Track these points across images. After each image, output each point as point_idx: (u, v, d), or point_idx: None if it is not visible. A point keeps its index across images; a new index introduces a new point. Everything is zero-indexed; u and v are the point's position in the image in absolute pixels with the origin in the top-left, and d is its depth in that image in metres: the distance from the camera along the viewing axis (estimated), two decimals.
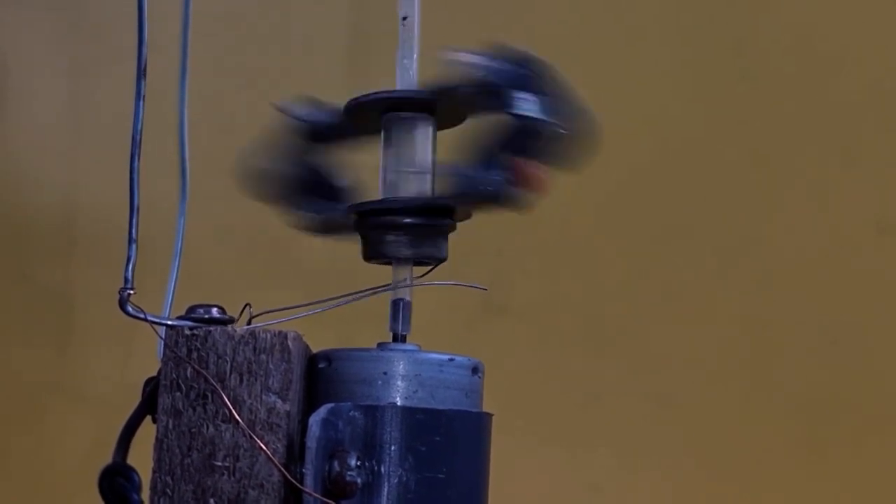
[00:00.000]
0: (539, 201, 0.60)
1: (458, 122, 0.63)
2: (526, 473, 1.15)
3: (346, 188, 0.64)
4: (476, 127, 0.61)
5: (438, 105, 0.62)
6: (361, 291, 0.62)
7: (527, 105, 0.59)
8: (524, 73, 0.59)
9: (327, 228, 0.64)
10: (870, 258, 1.19)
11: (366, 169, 0.65)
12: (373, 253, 0.62)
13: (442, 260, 0.62)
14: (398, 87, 0.62)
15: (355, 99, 0.62)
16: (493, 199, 0.59)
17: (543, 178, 0.60)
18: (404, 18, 0.62)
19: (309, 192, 0.63)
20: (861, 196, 1.19)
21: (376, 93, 0.62)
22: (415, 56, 0.62)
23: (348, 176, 0.64)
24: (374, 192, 0.63)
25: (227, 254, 1.18)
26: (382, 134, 0.63)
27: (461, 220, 0.63)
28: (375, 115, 0.62)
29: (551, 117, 0.59)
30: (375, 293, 0.62)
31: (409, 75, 0.62)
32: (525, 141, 0.59)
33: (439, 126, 0.63)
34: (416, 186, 0.62)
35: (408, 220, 0.61)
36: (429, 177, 0.62)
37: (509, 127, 0.59)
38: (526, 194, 0.59)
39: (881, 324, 1.18)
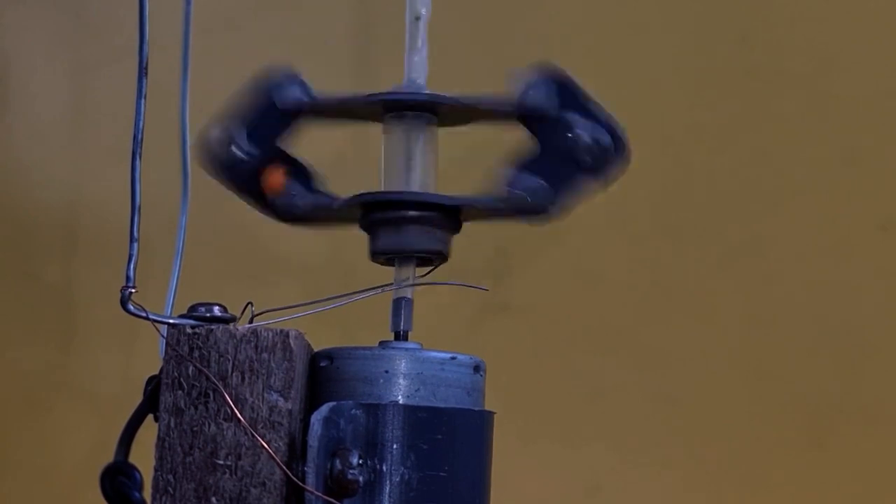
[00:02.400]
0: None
1: (464, 123, 0.64)
2: (527, 472, 1.15)
3: (314, 175, 0.63)
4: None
5: (450, 109, 0.62)
6: (363, 290, 0.62)
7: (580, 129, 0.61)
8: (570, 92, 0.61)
9: (306, 217, 0.63)
10: (871, 256, 1.19)
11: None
12: (385, 246, 0.62)
13: (447, 258, 0.63)
14: (406, 86, 0.62)
15: (383, 93, 0.62)
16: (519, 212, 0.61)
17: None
18: (417, 18, 0.62)
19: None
20: (863, 194, 1.19)
21: (405, 92, 0.62)
22: (424, 54, 0.62)
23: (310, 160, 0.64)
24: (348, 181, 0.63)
25: (228, 252, 1.18)
26: (386, 128, 0.63)
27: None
28: (378, 109, 0.63)
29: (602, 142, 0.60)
30: (377, 292, 0.62)
31: (418, 73, 0.62)
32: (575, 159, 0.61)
33: (445, 124, 0.63)
34: (421, 183, 0.62)
35: (423, 215, 0.61)
36: (432, 175, 0.62)
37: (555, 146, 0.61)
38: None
39: (882, 321, 1.18)
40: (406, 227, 0.61)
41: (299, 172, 0.63)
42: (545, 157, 0.61)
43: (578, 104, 0.61)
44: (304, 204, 0.62)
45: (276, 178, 0.61)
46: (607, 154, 0.61)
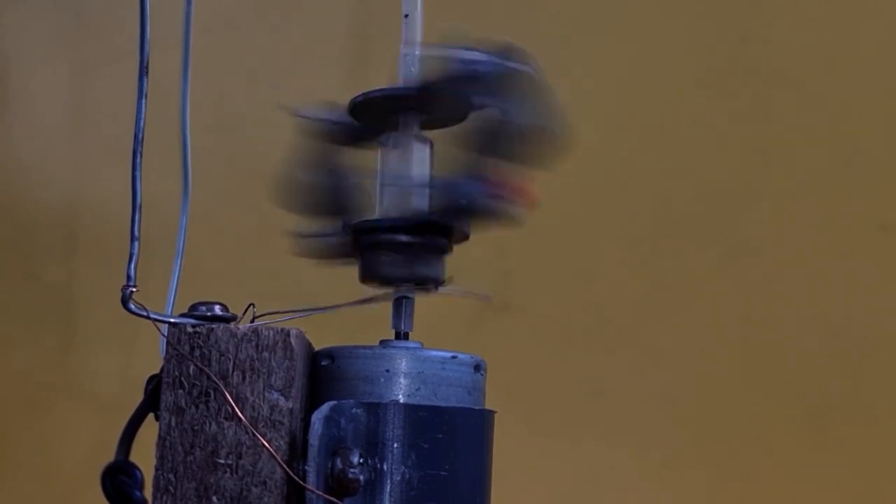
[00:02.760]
0: (529, 215, 0.60)
1: (458, 122, 0.63)
2: (528, 471, 1.15)
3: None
4: (458, 135, 0.61)
5: (430, 101, 0.62)
6: (365, 299, 0.62)
7: (508, 105, 0.59)
8: (505, 67, 0.59)
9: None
10: (871, 256, 1.19)
11: None
12: (365, 274, 0.62)
13: (439, 282, 0.62)
14: (400, 84, 0.62)
15: (356, 98, 0.62)
16: (473, 210, 0.59)
17: (532, 190, 0.60)
18: (406, 16, 0.62)
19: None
20: (863, 194, 1.19)
21: (378, 90, 0.62)
22: (417, 53, 0.62)
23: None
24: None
25: (229, 251, 1.18)
26: (380, 149, 0.63)
27: (458, 241, 0.63)
28: (378, 114, 0.62)
29: (533, 118, 0.59)
30: (378, 300, 0.62)
31: (411, 72, 0.62)
32: (504, 142, 0.59)
33: (438, 125, 0.63)
34: (412, 202, 0.61)
35: (397, 239, 0.60)
36: (426, 192, 0.62)
37: (489, 131, 0.59)
38: (516, 208, 0.60)
39: (882, 321, 1.18)
40: (379, 255, 0.61)
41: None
42: (481, 147, 0.60)
43: (516, 88, 0.60)
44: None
45: (525, 187, 0.60)
46: (538, 139, 0.60)
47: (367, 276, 0.61)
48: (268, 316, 0.60)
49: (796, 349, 1.18)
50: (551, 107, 0.59)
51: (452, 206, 0.59)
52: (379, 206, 0.62)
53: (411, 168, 0.62)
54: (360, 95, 0.62)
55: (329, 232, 0.62)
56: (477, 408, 0.60)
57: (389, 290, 0.62)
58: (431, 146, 0.62)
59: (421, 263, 0.61)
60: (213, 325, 0.57)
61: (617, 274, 1.20)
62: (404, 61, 0.62)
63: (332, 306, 0.62)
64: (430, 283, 0.62)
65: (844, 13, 1.20)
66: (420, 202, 0.61)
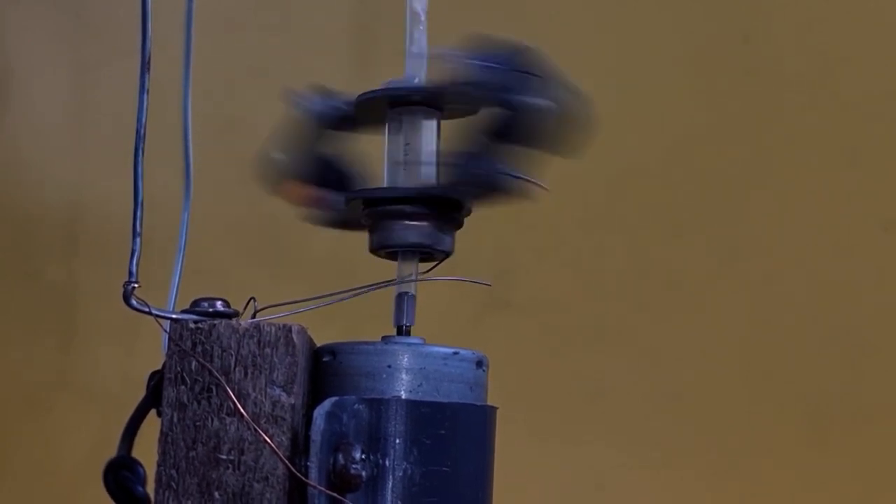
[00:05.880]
0: (540, 194, 0.60)
1: (466, 114, 0.63)
2: (529, 468, 1.15)
3: (357, 178, 0.64)
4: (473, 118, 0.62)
5: (444, 100, 0.62)
6: (367, 286, 0.62)
7: (524, 98, 0.59)
8: (516, 65, 0.60)
9: (341, 222, 0.64)
10: (873, 256, 1.19)
11: (374, 159, 0.65)
12: (379, 243, 0.62)
13: (448, 254, 0.62)
14: (405, 79, 0.62)
15: (365, 94, 0.62)
16: (498, 189, 0.60)
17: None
18: (414, 14, 0.62)
19: (323, 183, 0.63)
20: (865, 194, 1.19)
21: (387, 88, 0.62)
22: (424, 48, 0.62)
23: (358, 165, 0.64)
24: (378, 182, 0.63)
25: (231, 247, 1.18)
26: (388, 125, 0.63)
27: (465, 215, 0.63)
28: (383, 107, 0.62)
29: (547, 101, 0.59)
30: (380, 288, 0.62)
31: (418, 68, 0.62)
32: (526, 129, 0.59)
33: (448, 116, 0.63)
34: (422, 178, 0.62)
35: (417, 209, 0.61)
36: (434, 169, 0.62)
37: (507, 117, 0.59)
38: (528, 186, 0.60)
39: (884, 321, 1.18)
40: (395, 223, 0.61)
41: (333, 180, 0.63)
42: (508, 132, 0.60)
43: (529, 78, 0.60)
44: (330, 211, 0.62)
45: (295, 192, 0.62)
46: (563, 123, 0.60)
47: (380, 246, 0.62)
48: (268, 308, 0.60)
49: (796, 349, 1.19)
50: (567, 91, 0.60)
51: (468, 182, 0.60)
52: (387, 178, 0.62)
53: (422, 143, 0.62)
54: (364, 95, 0.62)
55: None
56: (479, 404, 0.60)
57: (389, 281, 0.62)
58: (439, 120, 0.63)
59: (433, 232, 0.61)
60: (215, 321, 0.57)
61: (617, 274, 1.20)
62: (412, 57, 0.62)
63: (331, 294, 0.62)
64: (441, 253, 0.62)
65: (845, 13, 1.20)
66: (429, 177, 0.61)
